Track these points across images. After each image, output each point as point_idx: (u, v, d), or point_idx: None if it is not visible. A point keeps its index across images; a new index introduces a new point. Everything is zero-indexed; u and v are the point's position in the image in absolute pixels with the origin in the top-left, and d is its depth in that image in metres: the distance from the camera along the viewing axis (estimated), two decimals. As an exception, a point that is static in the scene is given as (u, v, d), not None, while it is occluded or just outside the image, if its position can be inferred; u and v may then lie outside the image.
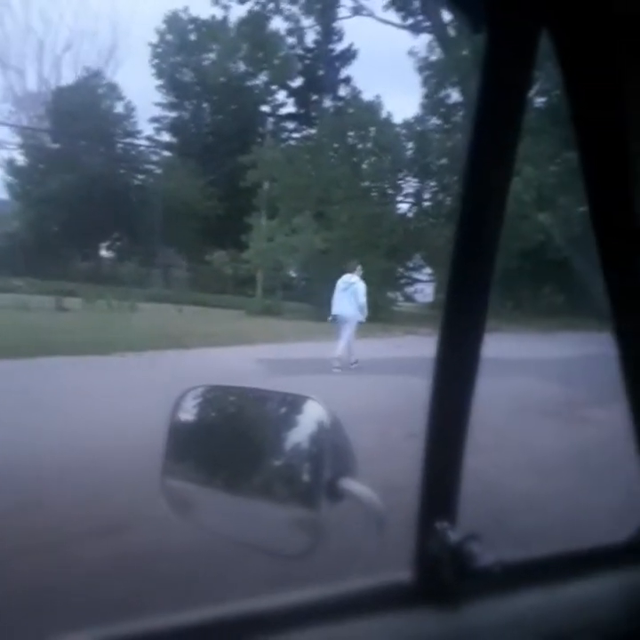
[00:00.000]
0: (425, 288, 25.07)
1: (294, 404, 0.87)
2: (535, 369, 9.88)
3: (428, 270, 23.59)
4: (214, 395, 0.97)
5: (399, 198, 23.46)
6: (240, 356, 10.38)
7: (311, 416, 0.82)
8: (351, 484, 0.77)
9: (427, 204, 23.51)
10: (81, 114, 27.04)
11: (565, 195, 14.81)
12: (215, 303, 21.30)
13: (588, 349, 7.90)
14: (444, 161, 21.13)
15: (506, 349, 9.22)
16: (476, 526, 0.81)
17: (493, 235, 0.73)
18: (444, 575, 0.78)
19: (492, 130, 0.69)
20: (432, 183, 22.75)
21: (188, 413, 0.91)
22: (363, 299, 9.84)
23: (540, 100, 16.54)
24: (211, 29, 28.33)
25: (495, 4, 0.66)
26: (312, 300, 20.37)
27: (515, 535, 3.19)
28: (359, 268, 10.33)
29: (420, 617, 0.80)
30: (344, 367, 9.55)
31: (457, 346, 0.77)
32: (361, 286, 9.93)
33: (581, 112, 0.74)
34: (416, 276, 24.43)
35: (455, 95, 22.22)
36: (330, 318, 10.43)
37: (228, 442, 0.91)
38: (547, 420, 6.77)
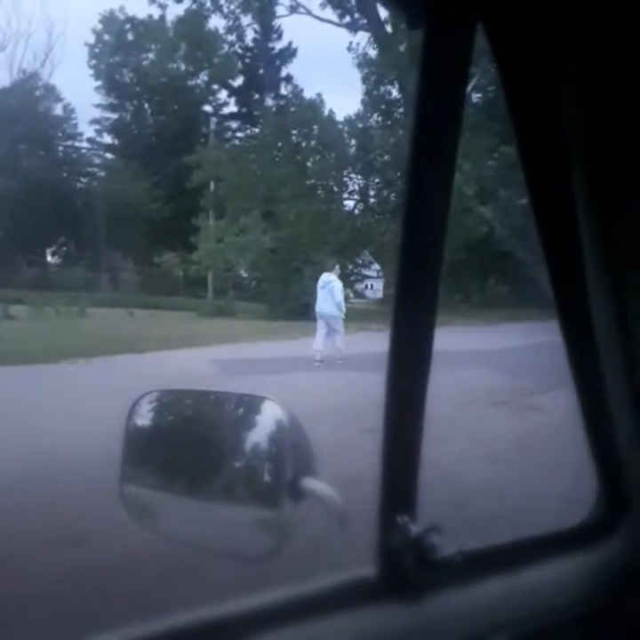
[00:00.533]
0: (374, 284, 25.34)
1: (252, 404, 0.86)
2: (484, 360, 10.10)
3: (376, 266, 23.85)
4: (171, 398, 0.96)
5: (345, 195, 23.53)
6: (195, 358, 10.34)
7: (270, 416, 0.81)
8: (312, 483, 0.77)
9: (372, 200, 23.59)
10: (19, 117, 26.36)
11: (505, 188, 15.27)
12: (167, 306, 21.04)
13: (533, 339, 8.15)
14: (386, 157, 21.27)
15: (456, 342, 9.44)
16: (434, 515, 0.83)
17: (439, 229, 0.72)
18: (406, 568, 0.79)
19: (432, 125, 0.68)
20: (376, 180, 22.81)
21: (144, 418, 0.89)
22: (340, 296, 10.20)
23: (476, 96, 16.95)
24: (148, 29, 27.91)
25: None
26: (264, 300, 20.47)
27: (472, 523, 3.28)
28: (337, 267, 10.77)
29: (385, 611, 0.80)
30: (328, 361, 9.77)
31: (409, 340, 0.76)
32: (337, 285, 10.29)
33: (519, 106, 0.74)
34: (365, 272, 24.60)
35: (395, 92, 22.42)
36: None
37: (187, 445, 0.90)
38: (497, 410, 6.94)
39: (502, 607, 0.89)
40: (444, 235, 0.72)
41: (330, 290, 10.18)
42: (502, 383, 8.27)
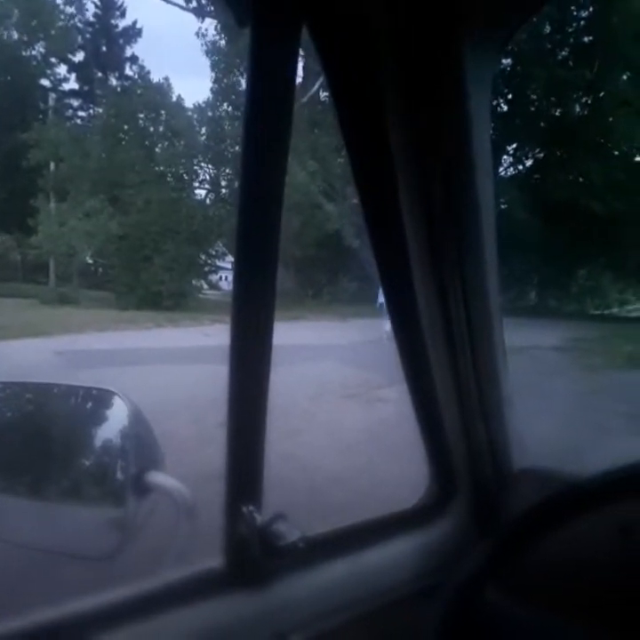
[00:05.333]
0: (229, 276, 25.12)
1: (94, 397, 0.84)
2: (336, 354, 10.47)
3: (230, 258, 23.62)
4: (8, 392, 0.91)
5: (196, 184, 23.04)
6: (37, 350, 9.69)
7: (113, 409, 0.79)
8: (158, 477, 0.78)
9: (224, 191, 23.19)
10: None
11: (351, 185, 15.73)
12: (3, 292, 19.43)
13: (381, 334, 8.61)
14: (238, 148, 21.12)
15: (308, 336, 9.66)
16: (291, 503, 0.86)
17: (273, 225, 0.72)
18: (252, 556, 0.80)
19: (262, 124, 0.69)
20: (228, 170, 22.43)
21: None
22: None
23: (324, 95, 17.26)
24: (-30, -9, 25.39)
25: None
26: (113, 288, 19.64)
27: (326, 509, 3.46)
28: None
29: (232, 600, 0.80)
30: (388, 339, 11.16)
31: (249, 334, 0.75)
32: None
33: (343, 106, 0.75)
34: (219, 263, 24.25)
35: (244, 82, 22.03)
36: (377, 305, 12.05)
37: (23, 442, 0.85)
38: (348, 402, 7.23)
39: (346, 588, 0.92)
40: (278, 230, 0.72)
41: None
42: (353, 376, 8.57)
